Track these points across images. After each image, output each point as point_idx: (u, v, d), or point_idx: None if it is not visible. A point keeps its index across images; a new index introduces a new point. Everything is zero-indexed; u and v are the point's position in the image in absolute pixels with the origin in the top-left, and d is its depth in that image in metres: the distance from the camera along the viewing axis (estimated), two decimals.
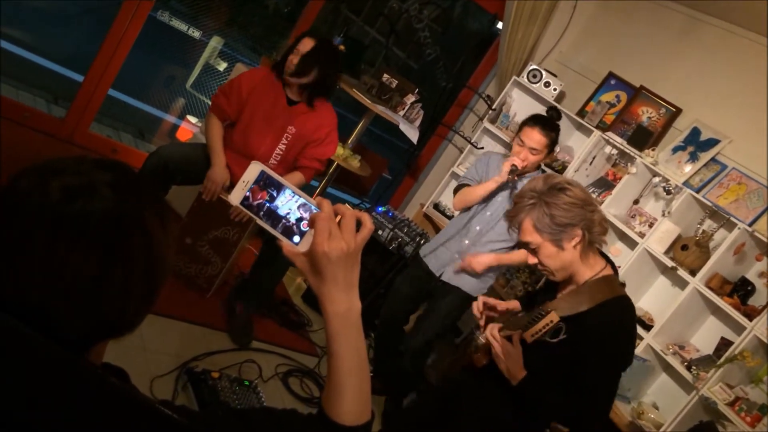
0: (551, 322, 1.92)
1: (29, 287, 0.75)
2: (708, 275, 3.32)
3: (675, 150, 3.79)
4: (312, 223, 0.91)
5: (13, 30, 5.88)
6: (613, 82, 4.29)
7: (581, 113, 4.30)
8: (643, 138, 3.98)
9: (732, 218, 3.33)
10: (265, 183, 0.97)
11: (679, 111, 3.96)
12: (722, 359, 3.16)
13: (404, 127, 4.23)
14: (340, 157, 4.20)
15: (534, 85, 4.39)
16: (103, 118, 4.81)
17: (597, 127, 4.13)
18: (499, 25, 4.66)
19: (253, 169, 0.97)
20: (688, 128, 3.81)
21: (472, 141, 4.61)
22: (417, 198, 5.08)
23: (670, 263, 3.46)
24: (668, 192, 3.62)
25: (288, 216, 0.96)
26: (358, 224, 0.93)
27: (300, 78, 3.18)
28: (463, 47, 5.27)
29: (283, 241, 0.95)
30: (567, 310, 1.94)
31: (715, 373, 3.13)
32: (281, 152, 3.32)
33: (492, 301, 2.25)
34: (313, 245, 0.90)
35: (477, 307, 2.22)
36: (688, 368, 3.24)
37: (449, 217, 4.65)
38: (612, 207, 3.81)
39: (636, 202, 3.86)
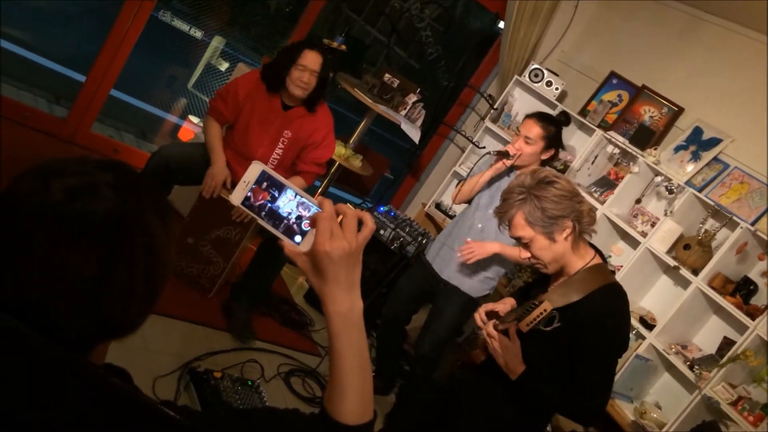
0: (545, 311, 1.95)
1: (30, 287, 0.75)
2: (710, 275, 3.32)
3: (677, 149, 3.78)
4: (313, 222, 0.91)
5: (14, 30, 5.89)
6: (615, 81, 4.29)
7: (583, 112, 4.29)
8: (645, 137, 3.98)
9: (734, 217, 3.33)
10: (266, 183, 0.97)
11: (681, 110, 3.95)
12: (725, 359, 3.15)
13: (406, 126, 4.22)
14: (341, 156, 4.20)
15: (536, 85, 4.39)
16: (105, 118, 4.81)
17: (599, 126, 4.12)
18: (501, 24, 4.66)
19: (254, 169, 0.97)
20: (690, 127, 3.80)
21: (473, 140, 4.61)
22: (419, 197, 5.08)
23: (672, 263, 3.45)
24: (670, 191, 3.62)
25: (289, 216, 0.96)
26: (361, 224, 0.93)
27: (308, 92, 3.18)
28: (465, 46, 5.27)
29: (285, 240, 0.95)
30: (560, 301, 1.96)
31: (718, 372, 3.12)
32: (278, 156, 3.32)
33: (491, 306, 2.25)
34: (314, 245, 0.90)
35: (480, 318, 2.21)
36: (691, 368, 3.24)
37: (451, 217, 4.65)
38: (614, 206, 3.81)
39: (638, 201, 3.86)
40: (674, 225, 3.53)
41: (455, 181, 4.74)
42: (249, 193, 0.97)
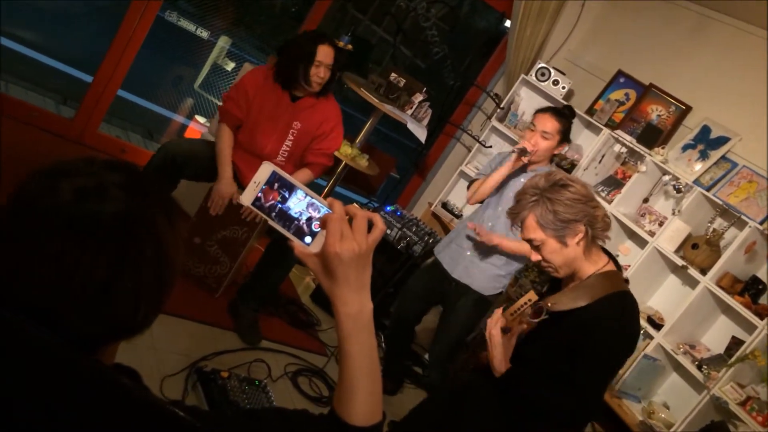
0: (529, 300, 1.96)
1: (40, 289, 0.75)
2: (719, 274, 3.30)
3: (685, 148, 3.77)
4: (324, 224, 0.91)
5: (22, 30, 5.91)
6: (622, 80, 4.27)
7: (590, 111, 4.28)
8: (653, 136, 3.96)
9: (743, 216, 3.31)
10: (276, 184, 0.97)
11: (689, 109, 3.94)
12: (733, 358, 3.14)
13: (412, 126, 4.22)
14: (348, 156, 4.20)
15: (542, 84, 4.38)
16: (112, 118, 4.82)
17: (606, 125, 4.11)
18: (507, 23, 4.65)
19: (265, 170, 0.97)
20: (698, 126, 3.79)
21: (480, 140, 4.60)
22: (425, 197, 5.08)
23: (680, 262, 3.44)
24: (678, 190, 3.60)
25: (300, 217, 0.96)
26: (370, 225, 0.93)
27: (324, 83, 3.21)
28: (471, 45, 5.26)
29: (295, 241, 0.95)
30: (567, 304, 1.96)
31: (726, 372, 3.11)
32: (288, 148, 3.32)
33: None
34: (324, 246, 0.90)
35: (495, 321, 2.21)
36: (699, 368, 3.23)
37: (457, 216, 4.65)
38: (621, 206, 3.79)
39: (646, 200, 3.85)
40: (682, 224, 3.51)
41: (462, 181, 4.74)
42: (259, 194, 0.96)
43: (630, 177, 3.87)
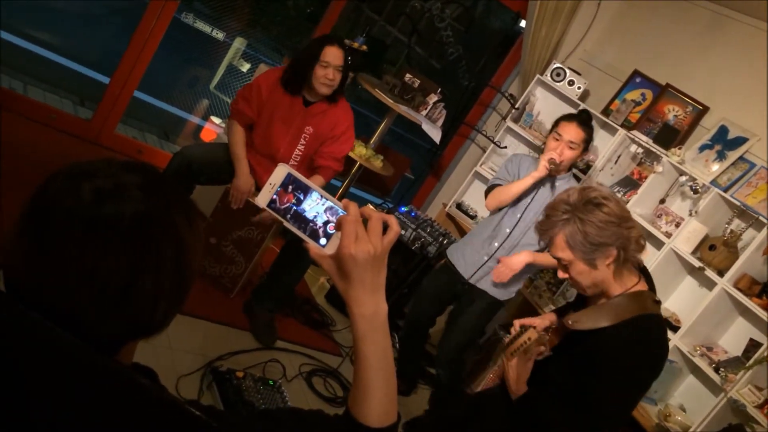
0: (529, 339, 1.87)
1: (61, 290, 0.76)
2: (736, 276, 3.27)
3: (702, 148, 3.73)
4: (339, 225, 0.92)
5: (40, 32, 5.97)
6: (638, 80, 4.24)
7: (606, 112, 4.26)
8: (670, 136, 3.93)
9: (761, 217, 3.28)
10: (291, 186, 0.97)
11: (706, 109, 3.90)
12: (751, 361, 3.11)
13: (427, 126, 4.22)
14: (362, 157, 4.21)
15: (558, 84, 4.36)
16: (129, 119, 4.87)
17: (622, 125, 4.08)
18: (522, 23, 4.64)
19: (280, 172, 0.97)
20: (715, 126, 3.75)
21: (495, 140, 4.59)
22: (440, 198, 5.07)
23: (697, 263, 3.41)
24: (695, 191, 3.57)
25: (315, 219, 0.96)
26: (385, 227, 0.93)
27: (334, 87, 3.20)
28: (486, 46, 5.24)
29: (310, 243, 0.96)
30: (587, 324, 1.86)
31: (744, 374, 3.08)
32: (300, 153, 3.32)
33: (528, 321, 2.20)
34: (340, 248, 0.90)
35: (514, 329, 2.17)
36: (716, 370, 3.20)
37: (472, 217, 4.64)
38: (638, 206, 3.77)
39: (662, 201, 3.82)
40: (699, 225, 3.48)
41: (476, 182, 4.73)
42: (275, 196, 0.97)
43: (646, 178, 3.84)
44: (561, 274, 1.94)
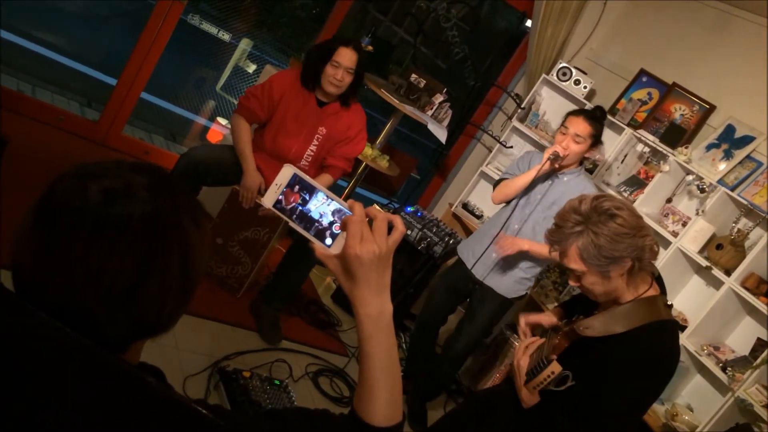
0: (552, 373, 1.82)
1: (69, 290, 0.77)
2: (743, 275, 3.26)
3: (709, 147, 3.72)
4: (344, 226, 0.92)
5: (47, 35, 6.01)
6: (644, 79, 4.23)
7: (612, 111, 4.25)
8: (676, 135, 3.92)
9: None
10: (297, 186, 0.98)
11: (712, 108, 3.89)
12: (758, 360, 3.10)
13: (432, 126, 4.22)
14: (368, 157, 4.21)
15: (564, 83, 4.35)
16: (136, 120, 4.88)
17: (628, 125, 4.08)
18: (528, 22, 4.63)
19: (286, 172, 0.98)
20: (722, 125, 3.74)
21: (501, 140, 4.58)
22: (446, 198, 5.07)
23: (704, 263, 3.40)
24: (702, 190, 3.56)
25: (320, 219, 0.97)
26: (391, 227, 0.94)
27: (342, 90, 3.20)
28: (492, 46, 5.25)
29: (316, 243, 0.96)
30: (600, 330, 1.84)
31: (752, 374, 3.07)
32: (312, 153, 3.33)
33: (533, 319, 2.19)
34: (345, 248, 0.91)
35: (522, 331, 2.16)
36: (724, 369, 3.19)
37: (478, 217, 4.63)
38: (644, 206, 3.76)
39: (669, 200, 3.81)
40: (706, 224, 3.47)
41: (482, 181, 4.73)
42: (281, 196, 0.98)
43: (653, 177, 3.83)
44: (573, 283, 1.90)
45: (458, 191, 4.88)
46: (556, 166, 3.00)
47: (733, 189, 3.48)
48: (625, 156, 4.05)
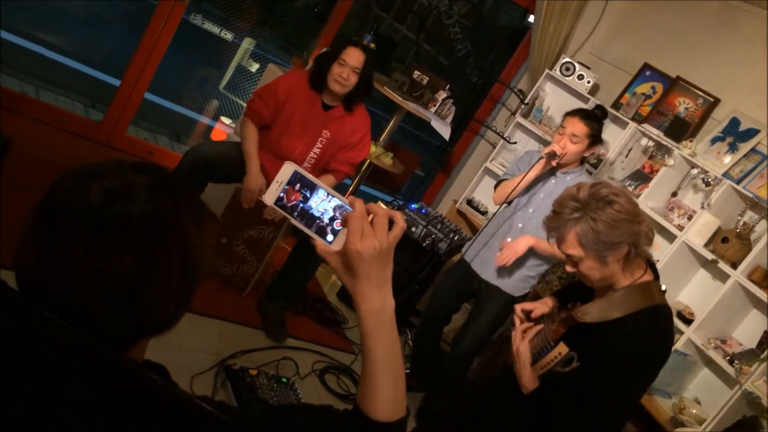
0: (559, 354, 1.86)
1: (69, 289, 0.77)
2: (750, 268, 3.25)
3: (713, 141, 3.71)
4: (345, 222, 0.92)
5: (51, 36, 6.03)
6: (648, 73, 4.22)
7: (616, 105, 4.24)
8: (681, 129, 3.91)
9: None
10: (298, 183, 0.98)
11: (717, 101, 3.88)
12: (766, 353, 3.09)
13: (436, 123, 4.22)
14: (372, 155, 4.21)
15: (567, 78, 4.34)
16: (140, 121, 4.90)
17: (632, 119, 4.07)
18: (531, 18, 4.62)
19: (287, 170, 0.98)
20: (726, 118, 3.73)
21: (504, 136, 4.58)
22: (450, 194, 5.07)
23: (710, 256, 3.39)
24: (707, 184, 3.55)
25: (322, 216, 0.97)
26: (392, 223, 0.94)
27: (347, 89, 3.20)
28: (494, 42, 5.24)
29: (317, 240, 0.96)
30: (597, 316, 1.86)
31: (759, 367, 3.06)
32: (315, 156, 3.33)
33: (528, 306, 2.21)
34: (346, 244, 0.91)
35: (518, 317, 2.17)
36: (731, 362, 3.18)
37: (483, 213, 4.63)
38: (649, 200, 3.75)
39: (674, 194, 3.80)
40: (711, 218, 3.46)
41: (486, 177, 4.72)
42: (282, 194, 0.98)
43: (657, 171, 3.82)
44: (569, 269, 1.94)
45: (462, 188, 4.88)
46: (554, 164, 3.00)
47: (738, 182, 3.47)
48: (630, 150, 4.04)
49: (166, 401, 0.78)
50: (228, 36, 6.58)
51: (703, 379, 3.53)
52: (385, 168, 4.29)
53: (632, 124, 3.99)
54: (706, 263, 3.64)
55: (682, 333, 3.41)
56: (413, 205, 4.20)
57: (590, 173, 3.91)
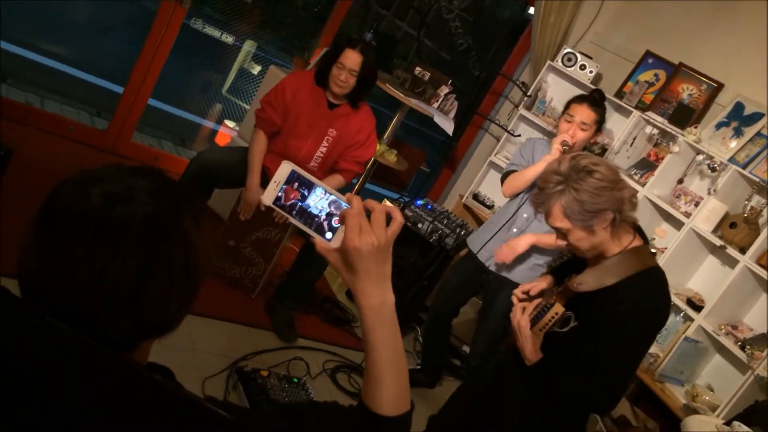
0: (556, 314, 1.90)
1: (74, 292, 0.79)
2: (758, 252, 3.24)
3: (718, 126, 3.69)
4: (343, 219, 0.93)
5: (53, 46, 6.06)
6: (650, 60, 4.20)
7: (619, 94, 4.22)
8: (685, 116, 3.89)
9: None
10: (296, 182, 0.99)
11: (720, 86, 3.86)
12: None
13: (439, 119, 4.22)
14: (377, 152, 4.21)
15: (569, 69, 4.33)
16: (144, 127, 4.92)
17: (636, 107, 4.05)
18: (531, 10, 4.61)
19: (284, 169, 0.99)
20: (730, 103, 3.71)
21: (508, 129, 4.57)
22: (456, 189, 5.07)
23: (718, 242, 3.38)
24: (713, 169, 3.54)
25: (320, 213, 0.98)
26: (390, 219, 0.94)
27: (346, 91, 3.22)
28: (495, 35, 5.23)
29: (316, 238, 0.97)
30: (593, 285, 1.91)
31: None
32: (322, 155, 3.34)
33: (527, 286, 2.24)
34: (344, 241, 0.92)
35: (517, 297, 2.20)
36: (742, 348, 3.17)
37: (489, 207, 4.63)
38: (656, 188, 3.74)
39: (680, 181, 3.79)
40: (718, 203, 3.45)
41: (492, 171, 4.72)
42: (280, 193, 0.99)
43: (663, 158, 3.81)
44: (560, 242, 1.99)
45: (468, 182, 4.87)
46: (564, 154, 2.99)
47: (744, 167, 3.45)
48: (634, 139, 4.03)
49: (170, 401, 0.79)
50: (229, 39, 6.60)
51: (715, 366, 3.52)
52: (389, 165, 4.29)
53: (636, 113, 3.98)
54: (714, 249, 3.62)
55: (692, 320, 3.41)
56: (419, 202, 4.20)
57: (599, 156, 3.91)
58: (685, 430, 2.86)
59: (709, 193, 3.51)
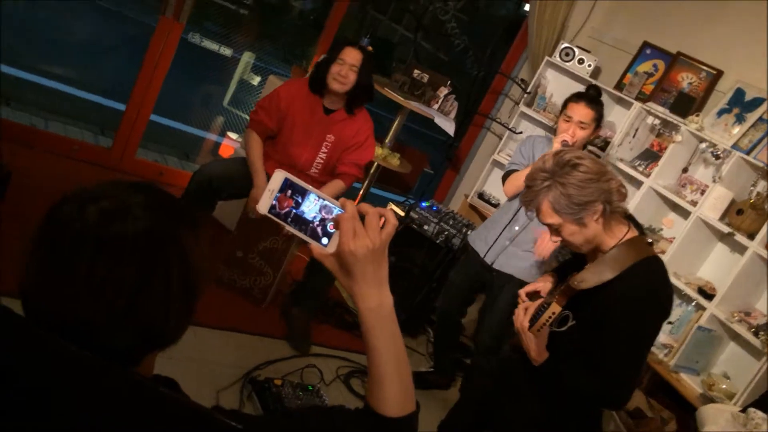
0: (553, 314, 1.90)
1: (75, 308, 0.80)
2: (767, 237, 3.22)
3: (720, 113, 3.68)
4: (337, 224, 0.94)
5: (54, 67, 6.12)
6: (648, 51, 4.20)
7: (619, 86, 4.22)
8: (686, 104, 3.88)
9: None
10: (290, 190, 0.99)
11: (720, 73, 3.84)
12: None
13: (439, 120, 4.22)
14: (379, 156, 4.22)
15: (567, 64, 4.33)
16: (149, 143, 4.95)
17: (637, 98, 4.04)
18: (526, 7, 4.61)
19: (277, 177, 1.00)
20: (731, 90, 3.70)
21: (510, 127, 4.57)
22: (461, 189, 5.07)
23: (726, 229, 3.36)
24: (717, 157, 3.53)
25: (314, 219, 0.98)
26: (384, 222, 0.95)
27: (347, 87, 3.24)
28: (492, 33, 5.23)
29: (312, 244, 0.98)
30: (593, 281, 1.91)
31: None
32: (322, 161, 3.36)
33: (531, 288, 2.23)
34: (339, 245, 0.93)
35: (521, 298, 2.20)
36: (756, 334, 3.15)
37: (494, 206, 4.62)
38: (660, 178, 3.73)
39: (685, 170, 3.77)
40: (724, 191, 3.43)
41: (495, 170, 4.71)
42: (274, 202, 0.99)
43: (666, 148, 3.79)
44: (554, 238, 2.00)
45: (472, 182, 4.87)
46: None
47: (748, 152, 3.44)
48: (637, 130, 4.02)
49: (176, 412, 0.80)
50: (227, 52, 6.63)
51: (730, 354, 3.49)
52: (393, 169, 4.30)
53: (637, 104, 3.97)
54: (722, 237, 3.61)
55: (704, 309, 3.39)
56: (424, 204, 4.20)
57: (601, 149, 3.91)
58: (700, 419, 2.85)
59: (714, 181, 3.49)
